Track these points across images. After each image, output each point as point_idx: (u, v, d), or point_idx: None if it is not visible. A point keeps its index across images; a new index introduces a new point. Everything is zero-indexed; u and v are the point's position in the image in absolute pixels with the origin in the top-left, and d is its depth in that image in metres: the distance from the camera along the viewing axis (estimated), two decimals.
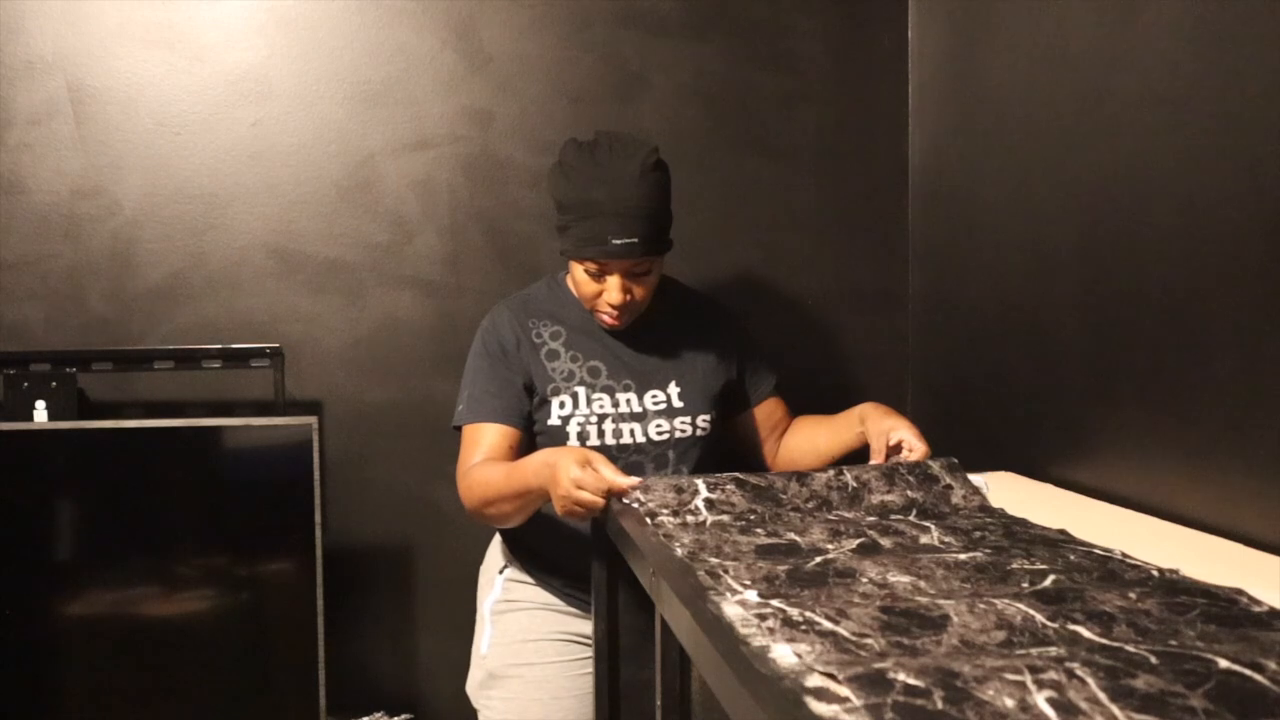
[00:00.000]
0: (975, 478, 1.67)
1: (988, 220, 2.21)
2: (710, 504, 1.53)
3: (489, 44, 2.46)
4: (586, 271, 1.83)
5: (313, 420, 2.14)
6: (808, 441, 2.00)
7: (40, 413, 2.22)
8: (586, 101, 2.48)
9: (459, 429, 1.91)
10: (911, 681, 0.83)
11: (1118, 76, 1.75)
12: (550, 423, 1.89)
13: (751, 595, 1.11)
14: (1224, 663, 0.87)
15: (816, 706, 0.80)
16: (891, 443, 1.74)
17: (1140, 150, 1.70)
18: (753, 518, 1.50)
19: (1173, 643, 0.94)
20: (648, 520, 1.49)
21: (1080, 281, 1.88)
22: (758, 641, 0.96)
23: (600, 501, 1.57)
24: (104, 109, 2.37)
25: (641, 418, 1.91)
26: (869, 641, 0.95)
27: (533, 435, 1.91)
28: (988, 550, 1.29)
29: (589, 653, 1.92)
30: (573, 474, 1.58)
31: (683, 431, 1.92)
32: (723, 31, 2.52)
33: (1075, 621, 1.00)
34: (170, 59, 2.38)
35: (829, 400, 2.08)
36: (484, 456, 1.84)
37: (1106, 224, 1.80)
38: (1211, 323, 1.54)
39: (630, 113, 2.49)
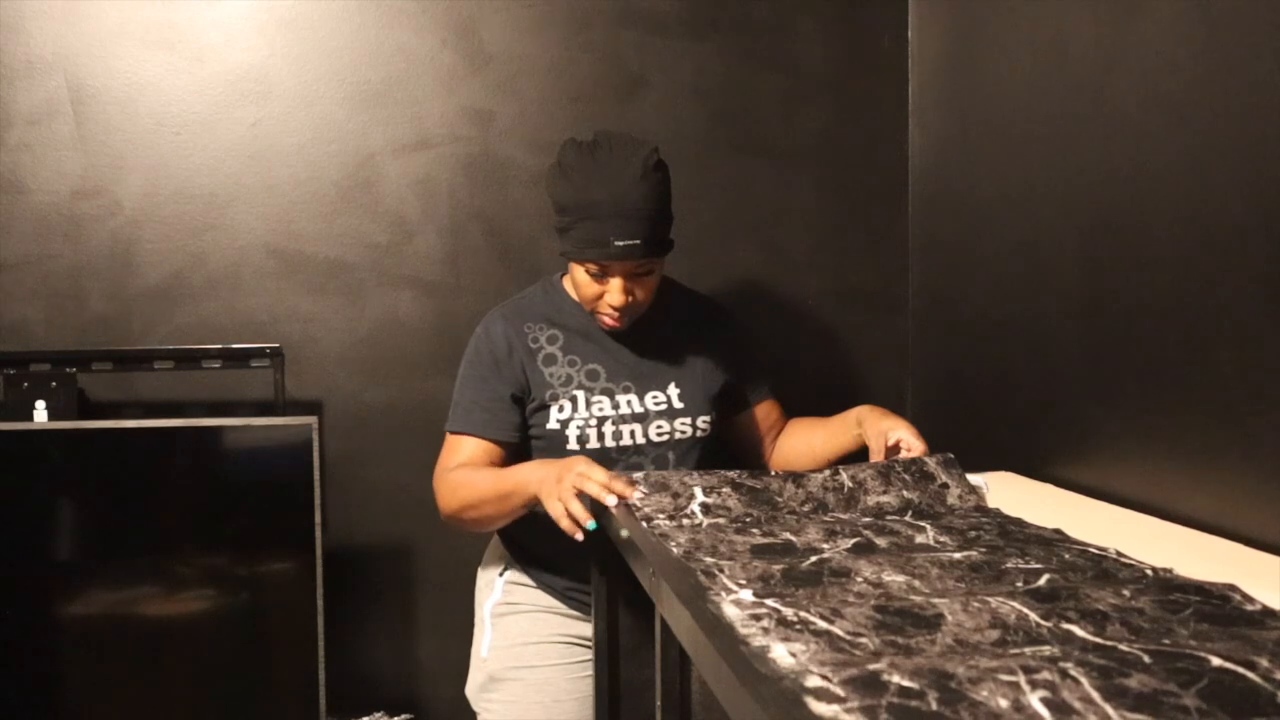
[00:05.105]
0: (975, 477, 1.66)
1: (988, 220, 2.21)
2: (706, 508, 1.53)
3: (489, 44, 2.46)
4: (588, 273, 1.82)
5: (313, 420, 2.14)
6: (804, 443, 1.99)
7: (40, 413, 2.23)
8: (586, 101, 2.49)
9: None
10: (906, 683, 0.83)
11: (1118, 76, 1.75)
12: (549, 427, 1.88)
13: (746, 595, 1.11)
14: (1217, 661, 0.87)
15: (816, 706, 0.80)
16: (890, 442, 1.73)
17: (1140, 150, 1.69)
18: (748, 520, 1.50)
19: (1166, 641, 0.94)
20: (643, 524, 1.49)
21: (1080, 281, 1.88)
22: (758, 641, 0.96)
23: (603, 493, 1.55)
24: (104, 109, 2.37)
25: (642, 419, 1.90)
26: (863, 641, 0.95)
27: (519, 446, 1.90)
28: (982, 549, 1.29)
29: (590, 655, 1.92)
30: (580, 467, 1.59)
31: (682, 433, 1.92)
32: (723, 31, 2.52)
33: (1069, 620, 1.00)
34: (170, 59, 2.38)
35: (829, 400, 2.08)
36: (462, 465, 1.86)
37: (1106, 224, 1.79)
38: (1211, 322, 1.53)
39: (630, 113, 2.49)
